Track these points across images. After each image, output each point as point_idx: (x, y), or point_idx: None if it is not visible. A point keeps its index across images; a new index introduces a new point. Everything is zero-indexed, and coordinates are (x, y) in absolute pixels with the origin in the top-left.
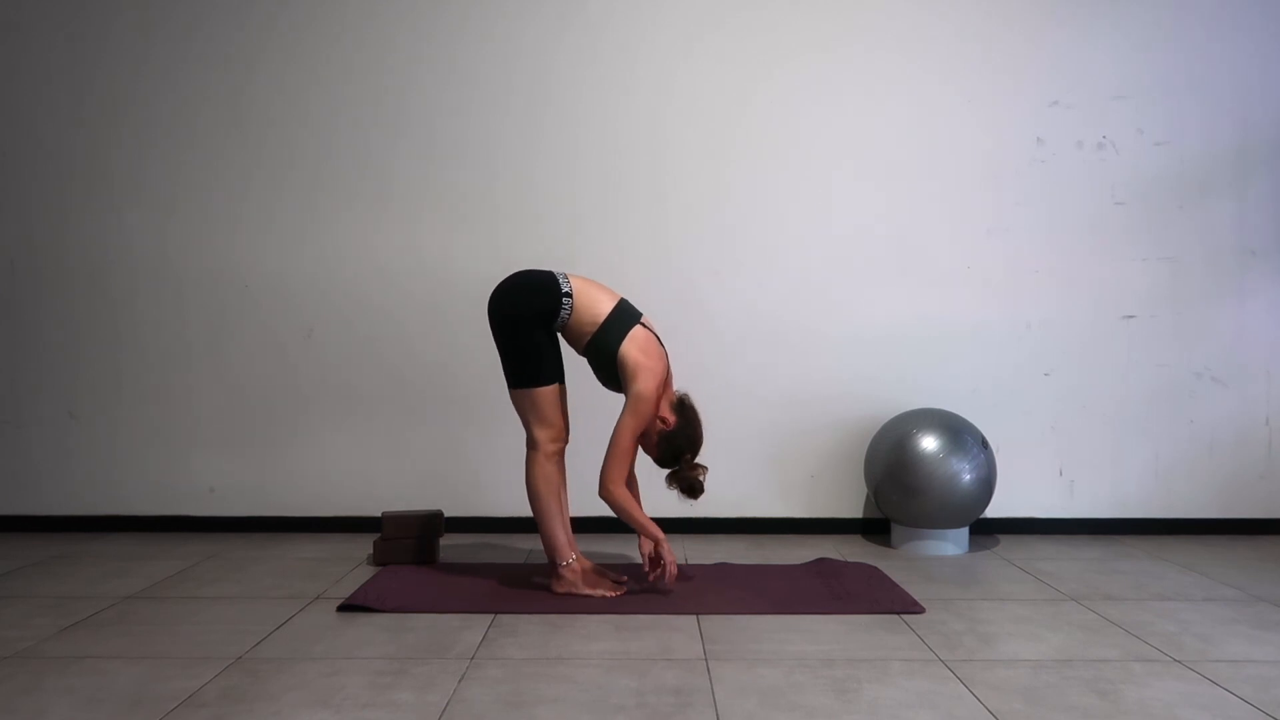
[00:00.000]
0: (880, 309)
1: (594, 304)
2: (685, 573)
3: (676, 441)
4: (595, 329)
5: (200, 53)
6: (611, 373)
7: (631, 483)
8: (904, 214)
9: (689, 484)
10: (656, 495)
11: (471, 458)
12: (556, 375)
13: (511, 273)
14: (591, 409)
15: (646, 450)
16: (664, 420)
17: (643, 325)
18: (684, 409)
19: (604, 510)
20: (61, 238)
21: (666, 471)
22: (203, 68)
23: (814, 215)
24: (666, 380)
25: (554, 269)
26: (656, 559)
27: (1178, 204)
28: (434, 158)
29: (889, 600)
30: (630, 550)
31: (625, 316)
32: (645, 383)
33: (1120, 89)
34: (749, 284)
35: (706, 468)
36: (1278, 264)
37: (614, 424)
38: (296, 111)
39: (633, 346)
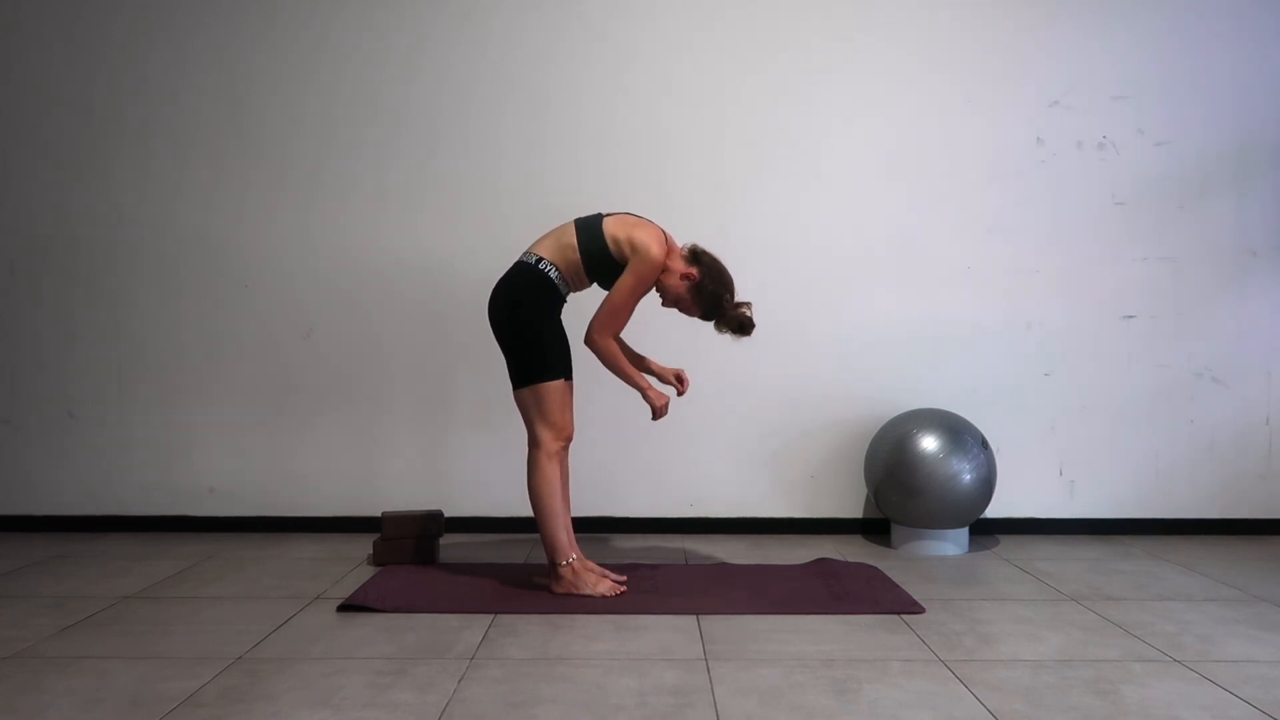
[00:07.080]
0: (880, 309)
1: (561, 241)
2: (684, 573)
3: (710, 288)
4: (578, 253)
5: (200, 51)
6: (615, 265)
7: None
8: (904, 214)
9: (738, 322)
10: (656, 495)
11: (471, 458)
12: (564, 370)
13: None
14: (589, 406)
15: (689, 312)
16: (689, 276)
17: (606, 215)
18: (699, 257)
19: (604, 510)
20: (61, 238)
21: (711, 324)
22: (202, 66)
23: (814, 215)
24: (669, 240)
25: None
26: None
27: (1178, 204)
28: (434, 156)
29: (889, 600)
30: (629, 550)
31: (588, 221)
32: (643, 241)
33: (1120, 89)
34: (749, 283)
35: (750, 303)
36: (1278, 264)
37: (615, 426)
38: (296, 110)
39: (615, 227)
